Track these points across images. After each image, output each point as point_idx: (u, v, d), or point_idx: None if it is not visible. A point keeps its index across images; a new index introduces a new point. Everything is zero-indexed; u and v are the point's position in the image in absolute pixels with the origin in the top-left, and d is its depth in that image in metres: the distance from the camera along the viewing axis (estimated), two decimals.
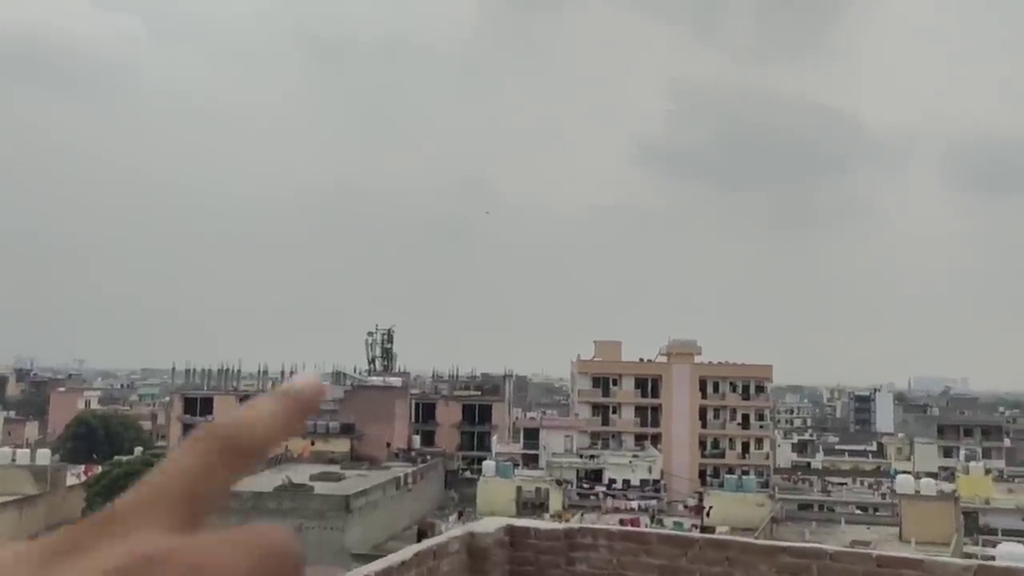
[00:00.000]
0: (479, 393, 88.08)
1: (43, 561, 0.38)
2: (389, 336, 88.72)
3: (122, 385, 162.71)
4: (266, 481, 54.97)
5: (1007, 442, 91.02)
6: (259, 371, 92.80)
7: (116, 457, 69.65)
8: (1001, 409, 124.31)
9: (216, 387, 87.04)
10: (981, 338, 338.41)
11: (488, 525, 5.69)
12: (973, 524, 61.07)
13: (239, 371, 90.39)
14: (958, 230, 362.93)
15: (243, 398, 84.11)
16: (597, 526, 5.67)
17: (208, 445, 0.44)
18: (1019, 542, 45.84)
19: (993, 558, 38.93)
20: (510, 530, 5.66)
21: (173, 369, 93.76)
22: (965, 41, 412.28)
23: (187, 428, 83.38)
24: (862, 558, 4.95)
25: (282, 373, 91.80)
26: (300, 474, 57.46)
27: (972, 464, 73.61)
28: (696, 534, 5.55)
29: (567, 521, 50.66)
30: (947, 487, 60.07)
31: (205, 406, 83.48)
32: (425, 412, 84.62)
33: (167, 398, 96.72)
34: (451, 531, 5.71)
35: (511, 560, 5.52)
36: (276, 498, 49.57)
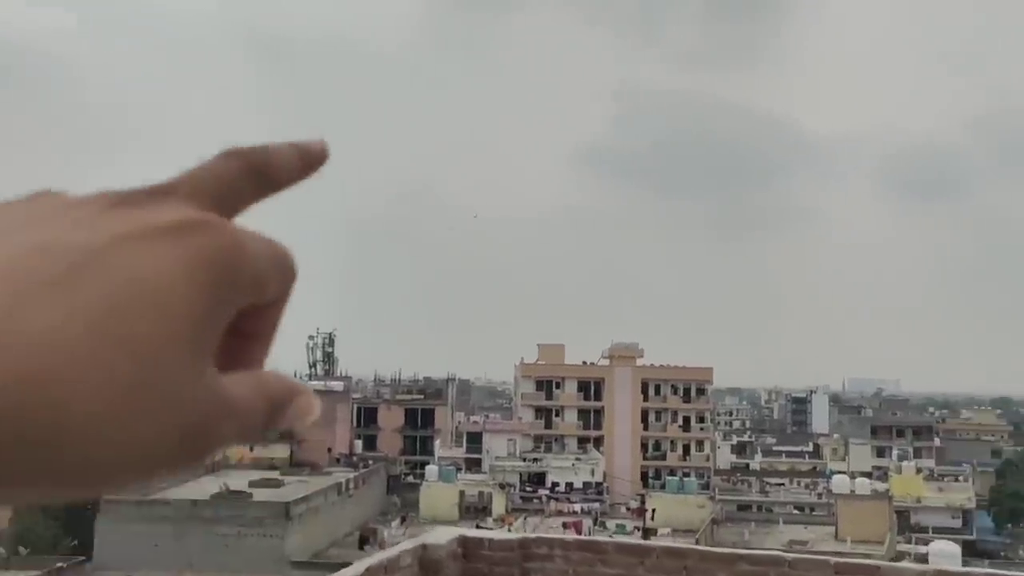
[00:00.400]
0: (422, 397, 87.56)
1: (102, 209, 0.39)
2: (330, 340, 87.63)
3: None
4: (203, 488, 53.72)
5: (937, 442, 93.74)
6: None
7: None
8: (931, 410, 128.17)
9: None
10: (912, 341, 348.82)
11: (440, 536, 5.49)
12: (905, 522, 62.74)
13: None
14: (892, 236, 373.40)
15: None
16: (552, 536, 5.53)
17: (232, 163, 0.45)
18: (949, 539, 47.24)
19: (926, 556, 39.99)
20: (463, 541, 5.48)
21: None
22: (903, 51, 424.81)
23: None
24: (819, 565, 4.90)
25: None
26: (238, 480, 56.25)
27: (904, 464, 75.68)
28: (653, 543, 5.44)
29: (510, 525, 50.48)
30: (880, 486, 61.61)
31: None
32: (367, 416, 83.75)
33: None
34: (402, 544, 5.50)
35: (464, 572, 5.34)
36: (213, 506, 48.46)
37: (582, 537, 5.45)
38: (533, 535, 5.77)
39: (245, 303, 0.43)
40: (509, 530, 50.37)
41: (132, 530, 46.47)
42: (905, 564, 5.21)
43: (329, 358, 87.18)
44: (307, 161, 0.50)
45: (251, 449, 68.16)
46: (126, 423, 0.36)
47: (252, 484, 55.03)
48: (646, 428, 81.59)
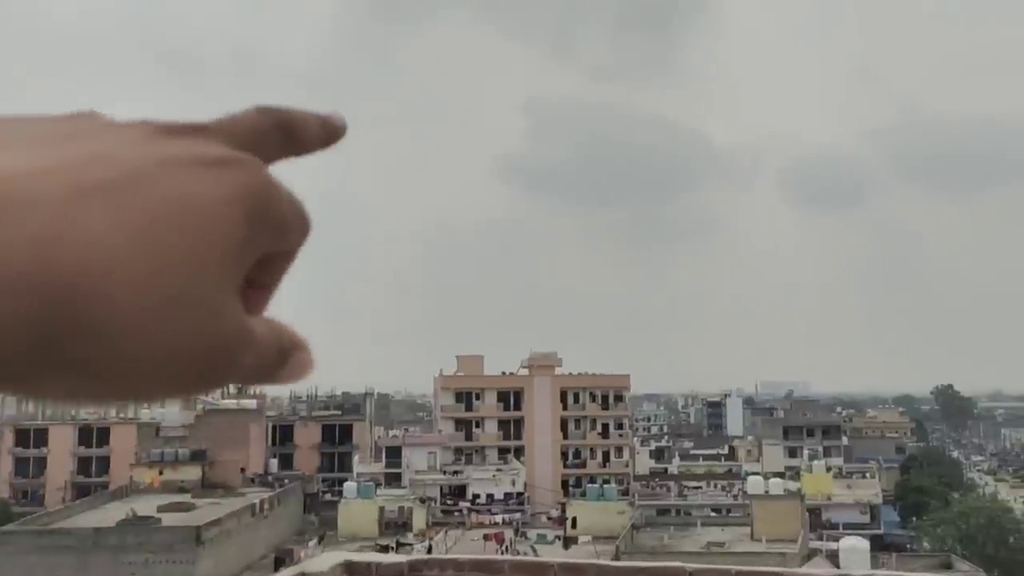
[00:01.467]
0: (339, 413, 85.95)
1: (148, 134, 0.42)
2: None
3: None
4: (107, 515, 51.46)
5: (845, 440, 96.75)
6: None
7: None
8: (839, 409, 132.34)
9: (52, 417, 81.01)
10: (819, 344, 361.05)
11: (323, 563, 5.12)
12: (817, 520, 64.41)
13: None
14: (798, 243, 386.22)
15: (82, 428, 78.86)
16: (444, 556, 5.22)
17: (265, 117, 0.47)
18: (859, 535, 48.68)
19: (836, 552, 41.06)
20: (348, 567, 5.12)
21: (2, 399, 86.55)
22: (805, 65, 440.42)
23: (19, 462, 77.27)
24: (721, 574, 4.73)
25: None
26: (146, 506, 54.11)
27: (815, 463, 77.79)
28: (551, 559, 5.19)
29: (430, 539, 49.75)
30: (793, 486, 63.10)
31: (39, 437, 77.66)
32: (282, 434, 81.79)
33: None
34: (281, 573, 5.11)
35: None
36: (118, 533, 46.40)
37: (477, 557, 5.15)
38: (424, 557, 5.45)
39: (269, 246, 0.46)
40: (429, 545, 49.71)
41: (31, 562, 44.07)
42: (804, 570, 5.09)
43: None
44: (329, 131, 0.53)
45: (160, 472, 65.76)
46: (165, 326, 0.39)
47: (161, 508, 53.01)
48: (566, 436, 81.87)
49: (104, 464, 76.65)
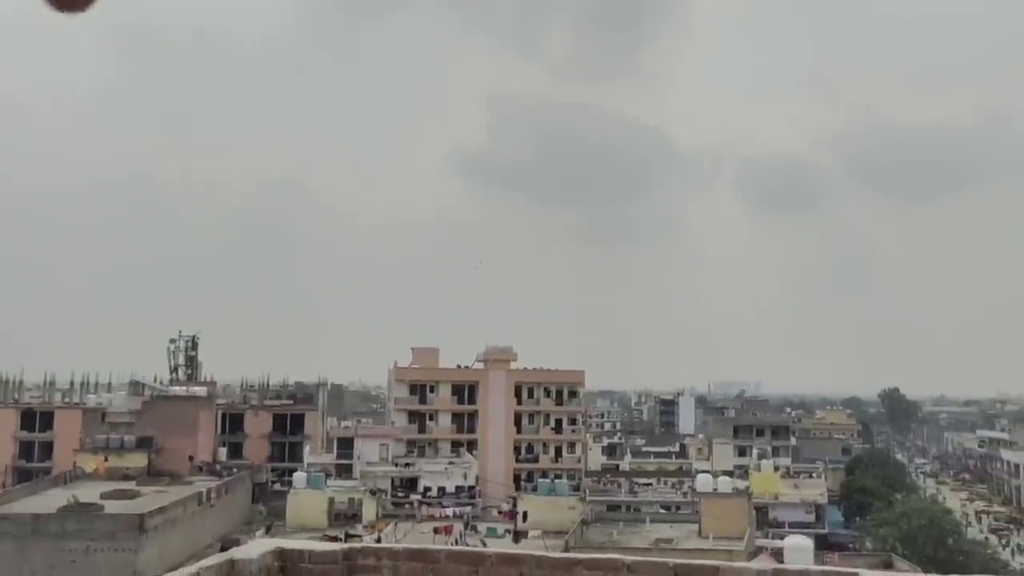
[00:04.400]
0: (291, 402, 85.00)
1: None
2: (193, 343, 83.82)
3: None
4: (48, 502, 50.27)
5: (793, 440, 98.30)
6: (45, 381, 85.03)
7: None
8: (788, 410, 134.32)
9: None
10: (771, 345, 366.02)
11: (253, 550, 4.97)
12: (764, 518, 65.38)
13: (21, 381, 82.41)
14: (753, 246, 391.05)
15: (25, 412, 76.99)
16: (380, 545, 5.11)
17: None
18: (803, 534, 49.43)
19: (782, 550, 41.64)
20: (280, 554, 4.98)
21: None
22: (764, 68, 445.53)
23: None
24: (659, 568, 4.69)
25: (71, 383, 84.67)
26: (90, 492, 52.94)
27: (763, 462, 78.92)
28: (488, 550, 5.11)
29: (380, 531, 49.43)
30: (741, 484, 63.93)
31: None
32: (233, 423, 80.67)
33: None
34: (205, 560, 4.95)
35: None
36: (59, 519, 45.32)
37: (412, 546, 5.05)
38: (359, 545, 5.33)
39: None
40: (379, 537, 49.40)
41: None
42: (744, 564, 5.08)
43: (192, 362, 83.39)
44: None
45: (105, 459, 64.42)
46: None
47: (104, 496, 51.88)
48: (519, 431, 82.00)
49: (47, 449, 74.93)
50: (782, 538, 48.10)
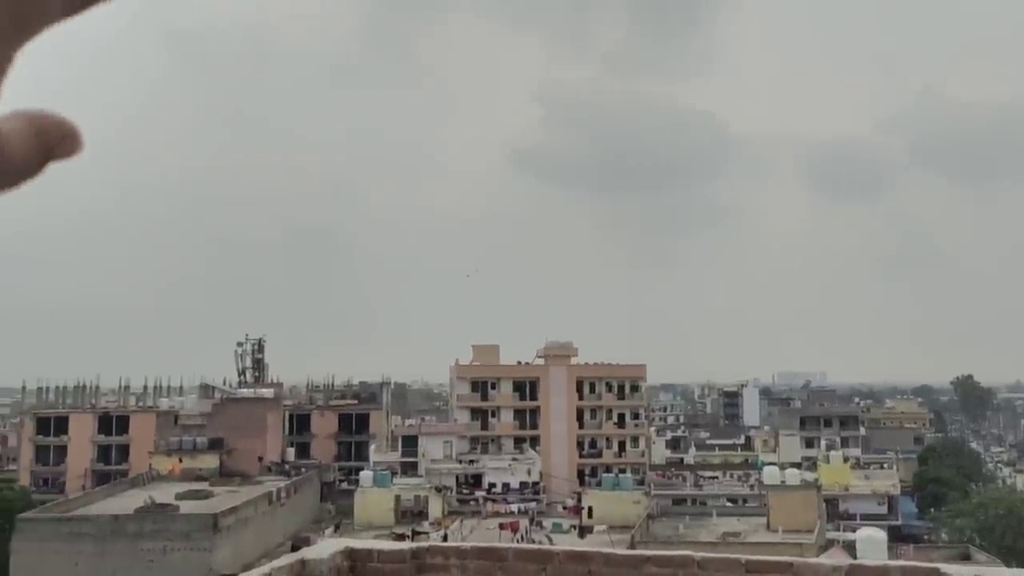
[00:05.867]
0: (356, 402, 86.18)
1: None
2: (260, 346, 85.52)
3: None
4: (126, 503, 51.88)
5: (862, 431, 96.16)
6: (120, 386, 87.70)
7: None
8: (856, 400, 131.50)
9: (72, 405, 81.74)
10: (837, 335, 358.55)
11: (323, 550, 5.05)
12: (834, 510, 64.09)
13: (97, 387, 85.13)
14: (815, 232, 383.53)
15: (102, 416, 79.51)
16: (448, 544, 5.14)
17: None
18: (876, 526, 48.32)
19: (853, 542, 40.78)
20: (349, 553, 5.04)
21: (24, 388, 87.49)
22: (822, 53, 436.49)
23: (40, 450, 78.04)
24: (730, 564, 4.62)
25: (145, 387, 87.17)
26: (165, 493, 54.52)
27: (832, 453, 77.32)
28: (556, 547, 5.10)
29: (446, 528, 49.84)
30: (810, 476, 62.76)
31: (60, 425, 78.38)
32: (300, 423, 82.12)
33: (17, 419, 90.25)
34: (277, 560, 5.04)
35: None
36: (137, 520, 46.77)
37: (481, 544, 5.07)
38: (427, 544, 5.37)
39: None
40: (445, 534, 49.80)
41: (51, 549, 44.56)
42: (819, 560, 4.98)
43: (259, 364, 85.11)
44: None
45: (180, 460, 66.22)
46: None
47: (179, 496, 53.38)
48: (582, 426, 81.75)
49: (124, 452, 77.28)
50: (854, 531, 47.05)
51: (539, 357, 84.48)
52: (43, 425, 78.73)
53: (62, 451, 77.83)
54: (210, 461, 66.35)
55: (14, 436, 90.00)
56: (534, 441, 79.21)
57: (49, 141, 0.43)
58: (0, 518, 52.49)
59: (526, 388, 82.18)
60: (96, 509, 51.23)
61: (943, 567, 4.63)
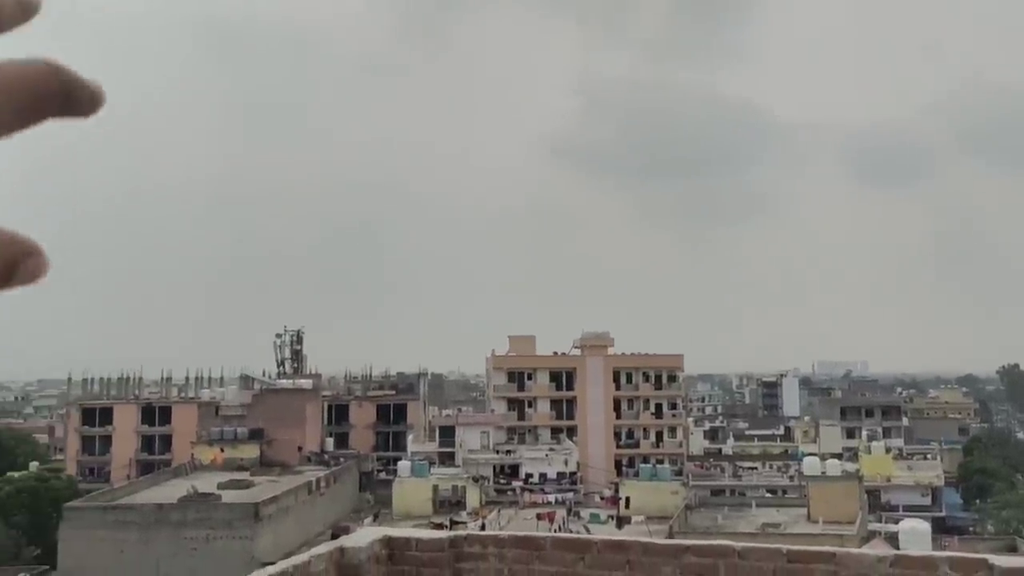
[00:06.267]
0: (393, 393, 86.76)
1: None
2: (298, 337, 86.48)
3: (16, 398, 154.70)
4: (170, 492, 52.83)
5: (905, 421, 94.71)
6: (162, 378, 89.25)
7: (8, 474, 65.94)
8: (899, 390, 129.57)
9: (116, 396, 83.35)
10: (879, 323, 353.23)
11: (361, 538, 5.06)
12: (876, 502, 63.22)
13: (140, 379, 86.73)
14: (857, 221, 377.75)
15: (145, 407, 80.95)
16: (485, 533, 5.13)
17: (50, 77, 0.43)
18: (919, 517, 47.60)
19: (896, 534, 40.19)
20: (388, 542, 5.05)
21: (69, 379, 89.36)
22: (866, 38, 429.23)
23: (86, 440, 79.71)
24: (772, 554, 4.55)
25: (186, 379, 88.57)
26: (207, 483, 55.42)
27: (874, 444, 76.25)
28: (594, 536, 5.06)
29: (484, 518, 50.04)
30: (851, 467, 61.97)
31: (105, 416, 79.96)
32: (338, 414, 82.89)
33: (64, 410, 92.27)
34: (316, 548, 5.06)
35: None
36: (180, 509, 47.60)
37: (519, 534, 5.05)
38: (464, 532, 5.36)
39: None
40: (483, 524, 50.00)
41: (97, 536, 45.53)
42: (862, 550, 4.87)
43: (297, 356, 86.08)
44: (95, 103, 0.48)
45: (221, 450, 67.27)
46: None
47: (221, 486, 54.21)
48: (619, 416, 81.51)
49: (166, 442, 78.65)
50: (896, 522, 46.38)
51: (575, 348, 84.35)
52: (89, 416, 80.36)
53: (107, 441, 79.41)
54: (250, 451, 67.32)
55: (61, 427, 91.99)
56: (571, 431, 79.17)
57: (13, 265, 0.42)
58: (48, 506, 53.75)
59: (563, 378, 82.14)
60: (140, 498, 52.25)
61: (991, 558, 4.52)
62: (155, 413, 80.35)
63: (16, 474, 65.03)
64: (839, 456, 68.36)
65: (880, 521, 53.49)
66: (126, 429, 78.96)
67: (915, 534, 37.66)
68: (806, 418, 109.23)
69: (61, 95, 0.44)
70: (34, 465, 72.97)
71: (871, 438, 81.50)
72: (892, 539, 39.33)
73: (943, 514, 66.84)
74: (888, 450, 75.38)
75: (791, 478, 70.37)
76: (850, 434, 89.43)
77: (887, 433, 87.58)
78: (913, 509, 62.27)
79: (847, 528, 45.09)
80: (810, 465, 57.92)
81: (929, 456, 78.84)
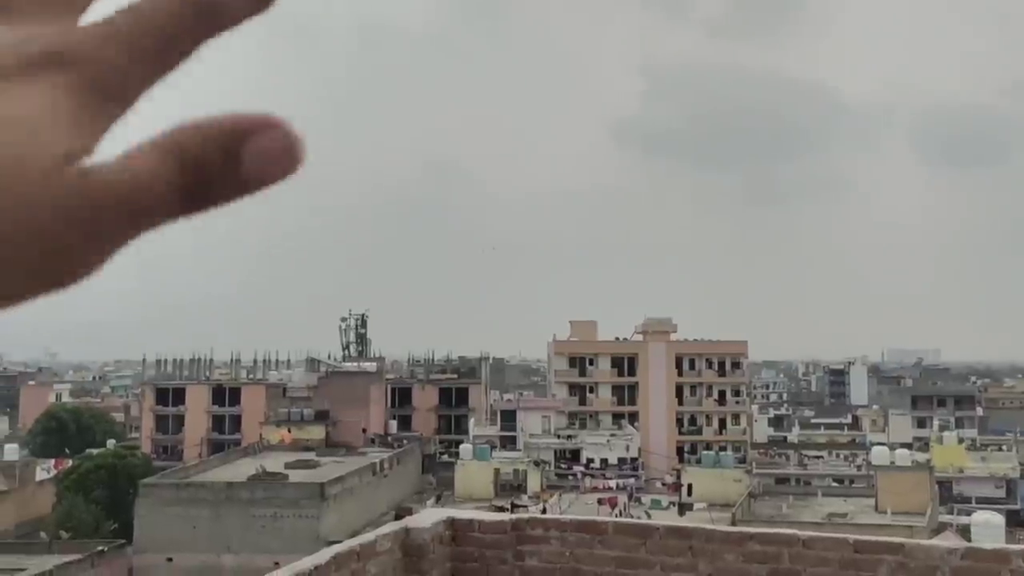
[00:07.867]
0: (456, 376, 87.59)
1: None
2: (363, 321, 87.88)
3: (95, 377, 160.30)
4: (240, 470, 54.32)
5: (979, 411, 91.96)
6: (231, 359, 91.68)
7: (88, 451, 68.55)
8: (973, 379, 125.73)
9: (188, 377, 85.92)
10: (952, 309, 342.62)
11: (425, 519, 5.16)
12: (947, 493, 61.64)
13: (211, 360, 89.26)
14: (929, 204, 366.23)
15: (216, 388, 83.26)
16: (548, 516, 5.18)
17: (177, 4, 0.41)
18: (993, 510, 46.29)
19: (968, 526, 39.19)
20: (451, 523, 5.14)
21: (144, 360, 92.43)
22: (936, 13, 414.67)
23: (159, 420, 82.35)
24: (838, 543, 4.49)
25: (255, 361, 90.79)
26: (275, 462, 56.83)
27: (946, 434, 74.28)
28: (656, 522, 5.07)
29: (545, 502, 50.24)
30: (921, 457, 60.51)
31: (177, 396, 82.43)
32: (401, 396, 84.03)
33: (139, 390, 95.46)
34: (381, 528, 5.17)
35: (453, 557, 5.01)
36: (249, 487, 48.94)
37: (581, 518, 5.09)
38: (527, 515, 5.42)
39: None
40: (544, 507, 50.24)
41: (171, 512, 47.12)
42: (932, 542, 4.78)
43: (362, 339, 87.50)
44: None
45: (288, 431, 68.85)
46: None
47: (288, 465, 55.55)
48: (681, 403, 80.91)
49: (236, 422, 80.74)
50: (969, 514, 45.19)
51: (637, 333, 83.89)
52: (162, 396, 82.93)
53: (180, 421, 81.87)
54: (316, 432, 68.76)
55: (136, 406, 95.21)
56: (632, 417, 78.87)
57: (235, 147, 0.37)
58: (125, 483, 55.76)
59: (624, 364, 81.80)
60: (212, 476, 53.84)
61: None
62: (225, 394, 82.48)
63: (95, 451, 67.55)
64: (909, 446, 66.75)
65: (952, 513, 52.19)
66: (197, 409, 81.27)
67: (988, 527, 36.65)
68: (875, 407, 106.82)
69: (198, 17, 0.39)
70: (111, 443, 75.64)
71: (943, 428, 79.39)
72: (964, 532, 38.36)
73: (1018, 507, 64.85)
74: (961, 440, 73.37)
75: (858, 468, 69.04)
76: (921, 424, 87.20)
77: (960, 423, 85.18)
78: (986, 501, 60.53)
79: (917, 519, 44.08)
80: (879, 454, 56.74)
81: (1004, 447, 76.51)
